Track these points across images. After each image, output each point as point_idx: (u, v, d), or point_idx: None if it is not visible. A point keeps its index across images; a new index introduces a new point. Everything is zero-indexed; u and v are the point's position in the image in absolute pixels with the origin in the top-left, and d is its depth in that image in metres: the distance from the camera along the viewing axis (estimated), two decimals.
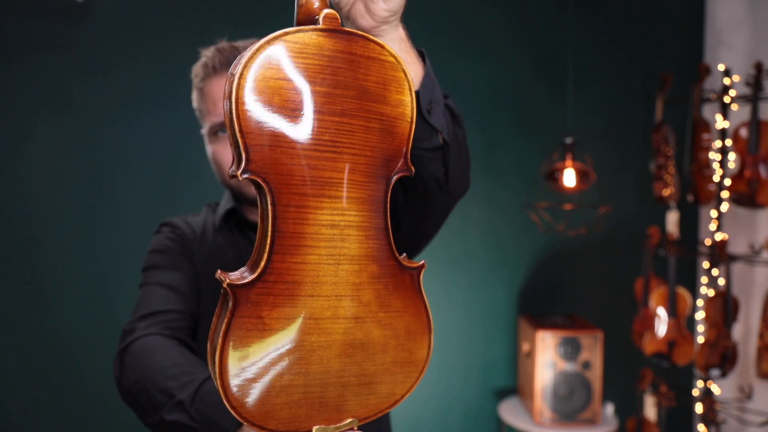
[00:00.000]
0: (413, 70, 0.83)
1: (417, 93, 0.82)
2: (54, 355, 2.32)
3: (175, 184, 2.40)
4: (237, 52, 1.18)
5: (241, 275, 0.67)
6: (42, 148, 2.29)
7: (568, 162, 2.49)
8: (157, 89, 2.37)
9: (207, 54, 1.20)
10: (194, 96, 1.24)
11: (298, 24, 0.68)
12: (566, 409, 2.50)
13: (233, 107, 0.63)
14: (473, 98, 2.75)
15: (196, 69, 1.22)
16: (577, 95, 2.69)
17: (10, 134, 2.27)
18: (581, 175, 2.48)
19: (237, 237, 1.24)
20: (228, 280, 0.65)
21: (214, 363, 0.65)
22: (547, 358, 2.50)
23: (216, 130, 1.19)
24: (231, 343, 0.65)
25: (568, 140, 2.50)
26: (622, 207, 2.83)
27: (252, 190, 1.19)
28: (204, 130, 1.24)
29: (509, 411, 2.64)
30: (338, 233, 0.69)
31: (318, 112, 0.66)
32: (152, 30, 2.36)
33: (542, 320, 2.65)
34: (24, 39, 2.24)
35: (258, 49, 0.63)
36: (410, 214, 1.08)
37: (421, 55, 0.86)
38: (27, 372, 2.31)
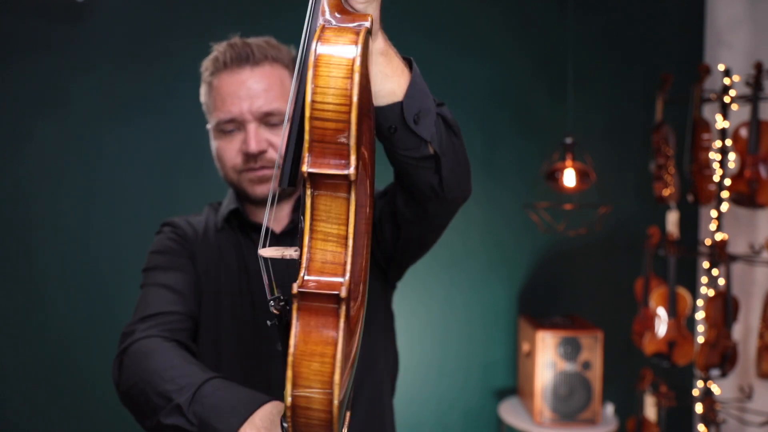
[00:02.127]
0: (395, 82, 0.81)
1: (401, 103, 0.81)
2: (54, 355, 2.32)
3: (175, 184, 2.39)
4: (249, 48, 1.16)
5: (328, 281, 0.60)
6: (42, 148, 2.28)
7: (568, 162, 2.49)
8: (157, 89, 2.37)
9: (218, 49, 1.18)
10: (202, 90, 1.22)
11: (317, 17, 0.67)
12: (566, 409, 2.50)
13: (354, 104, 0.59)
14: (473, 98, 2.75)
15: (206, 63, 1.20)
16: (577, 95, 2.69)
17: (10, 134, 2.26)
18: (581, 175, 2.48)
19: (239, 237, 1.24)
20: (344, 287, 0.58)
21: (331, 381, 0.58)
22: (547, 358, 2.50)
23: (223, 127, 1.17)
24: (341, 355, 0.58)
25: (568, 140, 2.50)
26: (622, 207, 2.83)
27: (259, 190, 1.17)
28: (210, 125, 1.22)
29: (509, 411, 2.64)
30: (368, 229, 0.70)
31: (366, 114, 0.66)
32: (152, 30, 2.36)
33: (542, 320, 2.65)
34: (24, 39, 2.24)
35: (364, 46, 0.61)
36: (410, 220, 1.07)
37: (409, 64, 0.84)
38: (27, 372, 2.31)
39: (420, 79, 0.84)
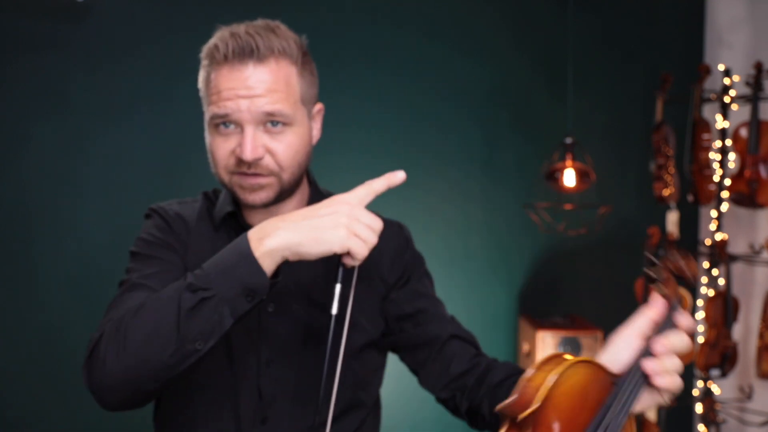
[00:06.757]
0: None
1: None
2: (54, 355, 2.32)
3: (175, 184, 2.39)
4: (254, 41, 1.07)
5: None
6: (42, 148, 2.28)
7: (568, 162, 2.49)
8: (157, 88, 2.37)
9: (220, 37, 1.10)
10: (200, 76, 1.13)
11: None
12: None
13: None
14: (473, 98, 2.75)
15: (206, 50, 1.11)
16: (577, 95, 2.69)
17: (10, 134, 2.26)
18: (581, 175, 2.48)
19: (234, 239, 1.20)
20: None
21: None
22: None
23: (218, 122, 1.08)
24: None
25: (568, 140, 2.50)
26: (622, 207, 2.82)
27: (251, 198, 1.09)
28: (205, 116, 1.12)
29: None
30: None
31: None
32: (152, 29, 2.36)
33: (542, 320, 2.64)
34: (24, 38, 2.24)
35: None
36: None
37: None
38: (27, 372, 2.31)
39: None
